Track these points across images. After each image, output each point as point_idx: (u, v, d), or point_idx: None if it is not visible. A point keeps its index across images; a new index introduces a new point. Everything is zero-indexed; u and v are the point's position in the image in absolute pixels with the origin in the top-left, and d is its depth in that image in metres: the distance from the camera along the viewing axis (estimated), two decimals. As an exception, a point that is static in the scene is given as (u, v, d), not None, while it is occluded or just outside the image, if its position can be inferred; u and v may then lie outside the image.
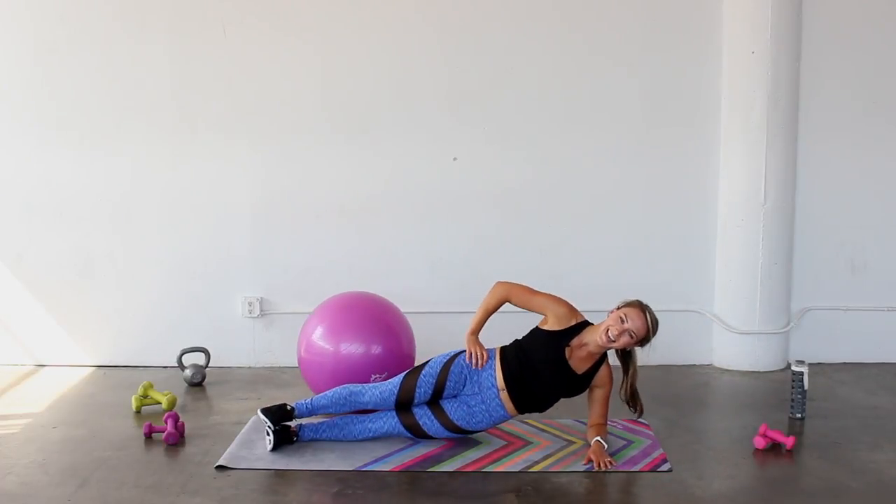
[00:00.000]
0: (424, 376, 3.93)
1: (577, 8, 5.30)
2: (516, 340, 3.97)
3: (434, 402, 3.95)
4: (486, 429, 3.98)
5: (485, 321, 3.97)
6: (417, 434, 3.94)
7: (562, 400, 3.98)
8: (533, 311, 3.97)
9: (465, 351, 3.95)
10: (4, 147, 5.34)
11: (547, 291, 3.97)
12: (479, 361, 3.89)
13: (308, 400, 4.01)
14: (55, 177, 5.33)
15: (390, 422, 3.94)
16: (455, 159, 5.36)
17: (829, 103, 5.33)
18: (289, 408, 3.95)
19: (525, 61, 5.31)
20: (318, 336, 4.39)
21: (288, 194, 5.37)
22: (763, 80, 5.14)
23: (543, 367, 3.84)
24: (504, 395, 3.87)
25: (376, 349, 4.33)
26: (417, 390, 3.92)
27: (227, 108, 5.31)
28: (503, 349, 3.95)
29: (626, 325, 3.73)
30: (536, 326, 3.95)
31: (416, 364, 4.16)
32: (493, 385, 3.88)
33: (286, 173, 5.36)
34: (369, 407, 3.97)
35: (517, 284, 3.98)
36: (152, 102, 5.30)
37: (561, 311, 3.87)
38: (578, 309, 3.95)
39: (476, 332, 3.96)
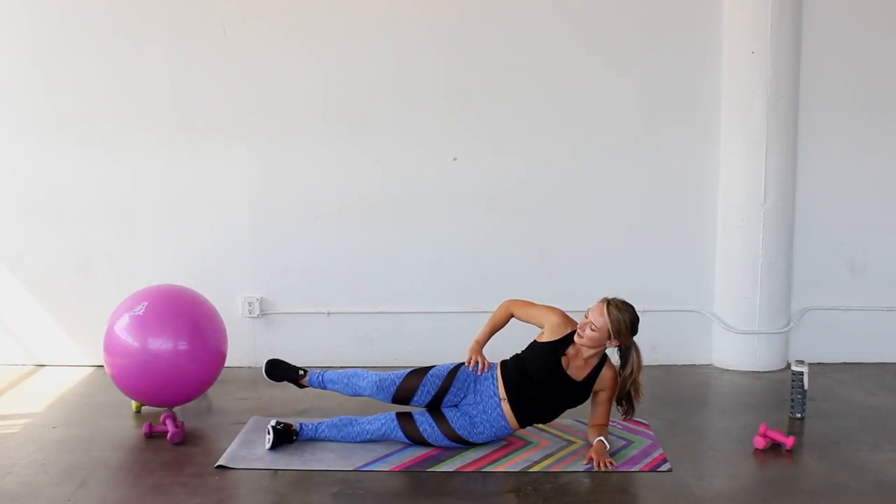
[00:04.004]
0: (431, 377, 3.95)
1: (577, 8, 5.29)
2: (516, 354, 4.01)
3: (436, 408, 3.96)
4: (487, 441, 3.96)
5: (490, 335, 4.07)
6: (415, 440, 3.93)
7: (561, 399, 3.99)
8: (531, 323, 4.02)
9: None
10: (4, 147, 5.33)
11: (545, 294, 4.11)
12: (480, 368, 3.93)
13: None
14: (55, 177, 5.33)
15: (389, 424, 3.94)
16: (455, 159, 5.36)
17: (829, 103, 5.32)
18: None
19: (524, 62, 5.31)
20: (122, 329, 4.28)
21: (287, 194, 5.36)
22: (763, 80, 5.14)
23: (542, 379, 3.86)
24: (506, 405, 3.88)
25: (182, 345, 4.25)
26: (421, 388, 3.93)
27: (227, 108, 5.30)
28: (504, 362, 3.98)
29: (585, 320, 3.80)
30: (534, 339, 3.99)
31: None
32: (494, 394, 3.90)
33: (286, 173, 5.35)
34: (366, 392, 4.00)
35: (520, 299, 4.09)
36: (152, 103, 5.29)
37: (555, 321, 3.92)
38: (578, 310, 3.95)
39: (481, 343, 4.04)
